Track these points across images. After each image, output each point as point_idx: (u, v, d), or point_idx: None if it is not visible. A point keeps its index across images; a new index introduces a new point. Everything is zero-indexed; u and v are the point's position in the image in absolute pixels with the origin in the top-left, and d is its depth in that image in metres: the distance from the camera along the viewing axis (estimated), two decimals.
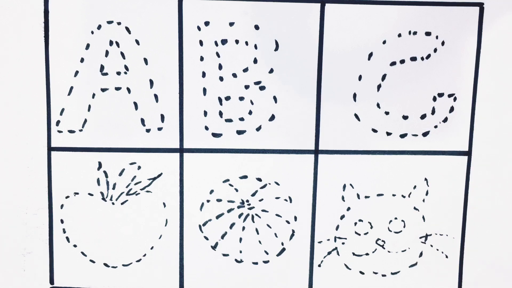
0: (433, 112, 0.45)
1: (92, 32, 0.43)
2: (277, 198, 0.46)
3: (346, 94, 0.44)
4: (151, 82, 0.44)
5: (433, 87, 0.45)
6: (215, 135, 0.44)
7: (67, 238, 0.46)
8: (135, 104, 0.44)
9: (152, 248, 0.46)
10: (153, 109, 0.44)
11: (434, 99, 0.45)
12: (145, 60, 0.43)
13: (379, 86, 0.44)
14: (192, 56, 0.43)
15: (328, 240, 0.46)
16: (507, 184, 0.46)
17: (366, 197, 0.46)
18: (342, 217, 0.46)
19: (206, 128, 0.44)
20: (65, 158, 0.44)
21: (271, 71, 0.44)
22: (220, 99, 0.44)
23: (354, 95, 0.44)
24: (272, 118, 0.44)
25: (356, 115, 0.45)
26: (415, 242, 0.47)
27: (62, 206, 0.45)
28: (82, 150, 0.44)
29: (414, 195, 0.46)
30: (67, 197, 0.45)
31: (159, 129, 0.44)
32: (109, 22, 0.43)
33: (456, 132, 0.45)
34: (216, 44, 0.43)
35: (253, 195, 0.45)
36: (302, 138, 0.45)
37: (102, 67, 0.43)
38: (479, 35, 0.44)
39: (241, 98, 0.44)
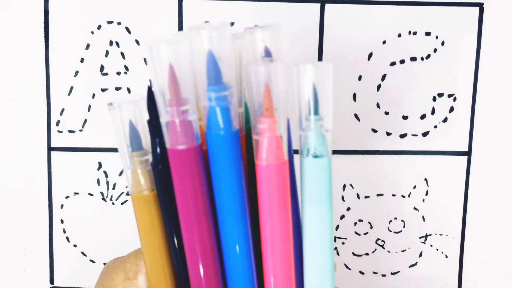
0: (433, 112, 0.45)
1: (92, 32, 0.43)
2: None
3: (346, 94, 0.44)
4: (151, 82, 0.44)
5: (433, 87, 0.45)
6: None
7: (67, 238, 0.46)
8: None
9: None
10: None
11: (434, 99, 0.45)
12: (145, 60, 0.43)
13: (379, 86, 0.44)
14: None
15: None
16: (507, 184, 0.46)
17: (366, 197, 0.46)
18: (342, 217, 0.46)
19: None
20: (65, 158, 0.44)
21: None
22: None
23: (354, 95, 0.44)
24: None
25: (356, 115, 0.45)
26: (415, 242, 0.47)
27: (62, 206, 0.45)
28: (82, 150, 0.44)
29: (414, 195, 0.46)
30: (67, 197, 0.45)
31: None
32: (109, 22, 0.43)
33: (456, 132, 0.45)
34: None
35: None
36: None
37: (102, 67, 0.43)
38: (479, 35, 0.44)
39: None
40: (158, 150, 0.29)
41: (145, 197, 0.30)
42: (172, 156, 0.28)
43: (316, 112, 0.29)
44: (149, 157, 0.31)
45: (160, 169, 0.29)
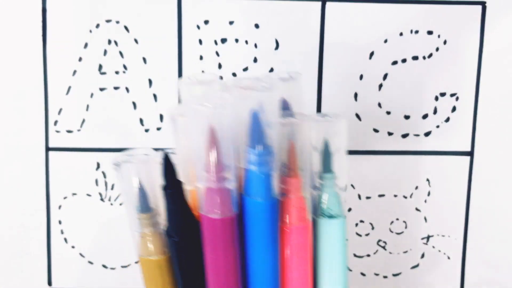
0: (435, 112, 0.45)
1: (91, 31, 0.43)
2: None
3: (347, 94, 0.44)
4: (150, 81, 0.43)
5: (435, 87, 0.44)
6: None
7: (65, 239, 0.45)
8: (134, 103, 0.44)
9: None
10: (152, 109, 0.44)
11: (436, 98, 0.44)
12: (144, 59, 0.43)
13: (380, 86, 0.44)
14: (192, 55, 0.43)
15: None
16: (510, 185, 0.46)
17: (367, 197, 0.46)
18: None
19: None
20: (63, 158, 0.44)
21: (271, 70, 0.43)
22: None
23: (355, 95, 0.44)
24: None
25: (357, 115, 0.44)
26: (417, 243, 0.46)
27: (60, 207, 0.45)
28: (80, 150, 0.44)
29: (415, 195, 0.46)
30: (65, 197, 0.45)
31: (158, 129, 0.44)
32: (108, 21, 0.43)
33: (459, 132, 0.45)
34: (216, 43, 0.43)
35: None
36: None
37: (100, 66, 0.43)
38: (481, 34, 0.44)
39: None
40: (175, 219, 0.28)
41: (155, 261, 0.29)
42: (206, 224, 0.27)
43: (329, 169, 0.28)
44: (158, 219, 0.29)
45: (176, 241, 0.28)
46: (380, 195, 0.46)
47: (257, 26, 0.43)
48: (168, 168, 0.27)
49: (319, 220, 0.29)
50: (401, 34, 0.43)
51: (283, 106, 0.30)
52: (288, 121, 0.27)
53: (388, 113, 0.45)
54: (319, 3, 0.43)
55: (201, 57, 0.43)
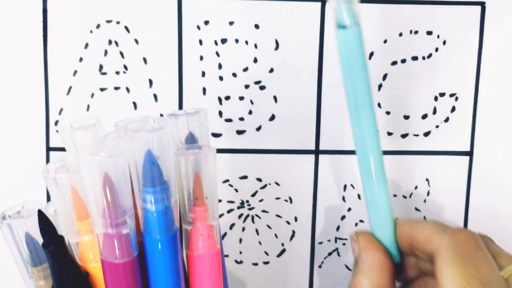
0: (434, 112, 0.45)
1: (91, 31, 0.43)
2: (277, 198, 0.45)
3: None
4: (150, 81, 0.44)
5: (435, 87, 0.44)
6: (215, 135, 0.44)
7: None
8: (134, 104, 0.44)
9: None
10: (153, 109, 0.44)
11: (436, 98, 0.45)
12: (144, 60, 0.43)
13: (380, 86, 0.44)
14: (192, 56, 0.43)
15: (329, 241, 0.46)
16: (509, 185, 0.46)
17: None
18: (343, 217, 0.46)
19: None
20: (63, 158, 0.44)
21: (271, 70, 0.44)
22: (219, 99, 0.44)
23: None
24: (272, 118, 0.44)
25: None
26: None
27: None
28: None
29: (415, 195, 0.46)
30: None
31: None
32: (108, 21, 0.43)
33: (458, 132, 0.45)
34: (216, 43, 0.43)
35: (253, 195, 0.45)
36: (303, 138, 0.44)
37: (101, 67, 0.43)
38: (480, 34, 0.44)
39: (241, 98, 0.44)
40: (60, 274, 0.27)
41: None
42: (107, 269, 0.27)
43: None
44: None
45: None
46: None
47: (257, 26, 0.43)
48: (45, 225, 0.27)
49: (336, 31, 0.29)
50: (400, 34, 0.44)
51: (190, 139, 0.30)
52: (193, 152, 0.28)
53: (388, 113, 0.45)
54: (319, 3, 0.43)
55: (201, 57, 0.43)
